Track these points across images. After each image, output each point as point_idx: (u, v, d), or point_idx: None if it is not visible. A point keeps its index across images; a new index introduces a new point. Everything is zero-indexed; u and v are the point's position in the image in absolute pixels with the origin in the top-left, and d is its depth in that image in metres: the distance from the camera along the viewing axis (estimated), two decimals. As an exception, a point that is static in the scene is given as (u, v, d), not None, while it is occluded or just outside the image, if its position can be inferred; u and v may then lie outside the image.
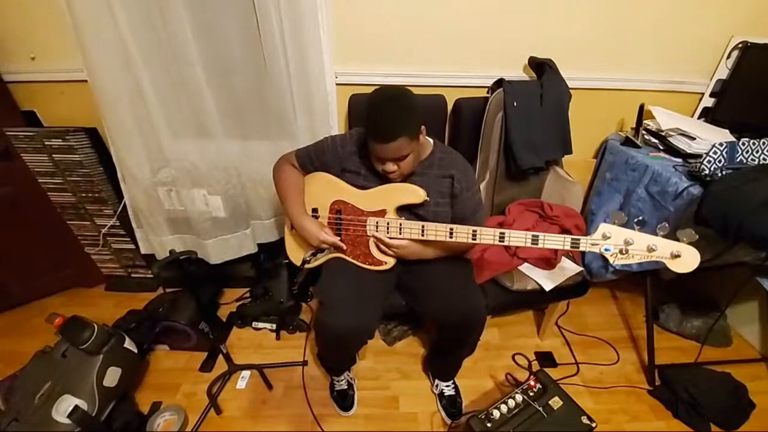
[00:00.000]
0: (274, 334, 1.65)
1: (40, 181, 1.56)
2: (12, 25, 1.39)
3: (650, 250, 0.87)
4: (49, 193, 1.60)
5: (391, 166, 1.01)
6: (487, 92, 1.45)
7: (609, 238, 0.90)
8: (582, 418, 1.07)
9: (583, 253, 1.54)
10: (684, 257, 0.86)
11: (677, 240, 0.86)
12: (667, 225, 0.86)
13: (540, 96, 1.39)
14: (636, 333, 1.68)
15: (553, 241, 0.95)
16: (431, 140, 1.15)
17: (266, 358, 1.53)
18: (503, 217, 1.51)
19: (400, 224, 1.07)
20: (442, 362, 1.39)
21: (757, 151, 1.22)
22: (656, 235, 0.88)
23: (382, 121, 0.94)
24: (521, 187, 1.56)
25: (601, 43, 1.46)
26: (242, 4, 1.27)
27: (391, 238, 1.09)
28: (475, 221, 1.11)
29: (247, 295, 1.84)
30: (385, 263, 1.13)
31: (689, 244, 0.85)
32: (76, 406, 1.09)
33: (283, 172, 1.20)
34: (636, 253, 0.89)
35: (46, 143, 1.48)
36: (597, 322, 1.74)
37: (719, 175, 1.18)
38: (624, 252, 0.89)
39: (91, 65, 1.27)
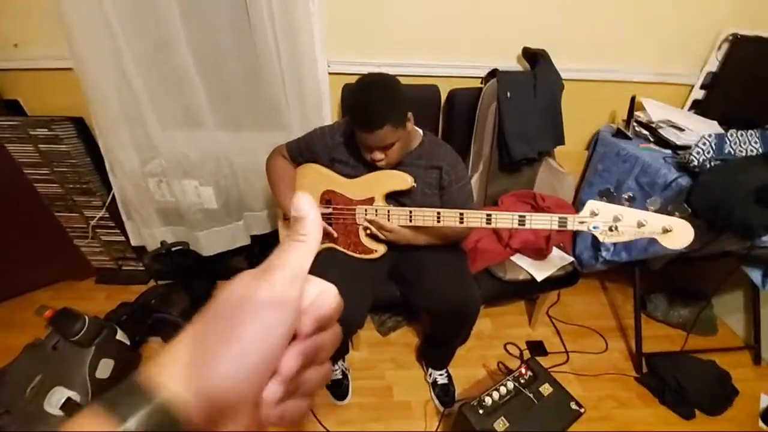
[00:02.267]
0: (268, 325, 1.65)
1: (26, 171, 1.53)
2: (-6, 12, 1.35)
3: (640, 225, 0.83)
4: (35, 185, 1.56)
5: (378, 155, 1.01)
6: (481, 82, 1.44)
7: (597, 214, 0.86)
8: (571, 403, 1.09)
9: (574, 243, 1.56)
10: (676, 231, 0.82)
11: (668, 214, 0.83)
12: (657, 200, 0.82)
13: (533, 86, 1.39)
14: (624, 322, 1.71)
15: (539, 221, 0.93)
16: (420, 131, 1.14)
17: (260, 349, 1.53)
18: (496, 208, 1.52)
19: (388, 211, 1.07)
20: (435, 352, 1.40)
21: (745, 143, 1.24)
22: (647, 210, 0.85)
23: (367, 110, 0.94)
24: (514, 178, 1.57)
25: (594, 34, 1.46)
26: (232, -8, 1.24)
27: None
28: None
29: (241, 287, 1.83)
30: (376, 251, 1.13)
31: (681, 218, 0.82)
32: (69, 398, 1.09)
33: (274, 164, 1.20)
34: (626, 230, 0.85)
35: (32, 133, 1.44)
36: (586, 312, 1.77)
37: (708, 166, 1.20)
38: (613, 229, 0.85)
39: (78, 55, 1.24)
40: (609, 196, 0.86)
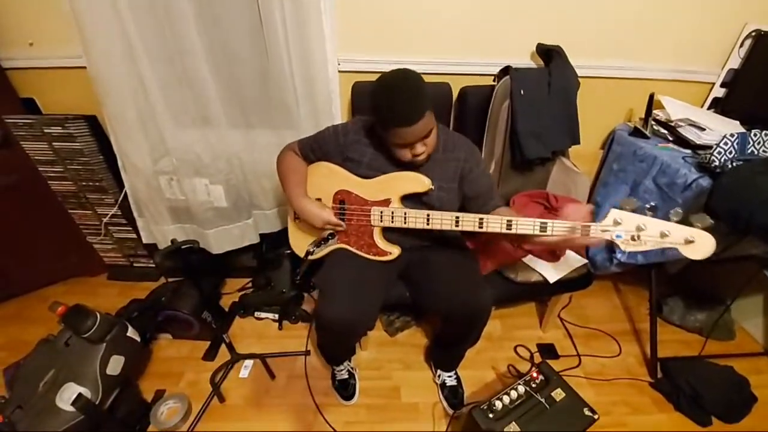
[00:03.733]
0: (277, 324, 1.65)
1: (40, 169, 1.55)
2: (9, 11, 1.36)
3: (663, 236, 0.83)
4: (49, 182, 1.59)
5: (419, 148, 0.97)
6: (494, 80, 1.42)
7: (620, 224, 0.86)
8: (584, 409, 1.07)
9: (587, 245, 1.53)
10: (698, 243, 0.82)
11: (690, 225, 0.82)
12: (680, 210, 0.82)
13: (548, 84, 1.36)
14: (638, 326, 1.68)
15: (562, 228, 0.91)
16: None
17: (268, 347, 1.54)
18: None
19: (405, 213, 1.05)
20: (444, 353, 1.39)
21: (769, 143, 1.19)
22: (669, 221, 0.84)
23: (403, 105, 0.90)
24: (526, 177, 1.54)
25: (611, 30, 1.42)
26: (243, -10, 1.24)
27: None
28: (494, 198, 1.09)
29: (249, 285, 1.84)
30: (390, 253, 1.12)
31: (703, 229, 0.81)
32: (80, 394, 1.10)
33: (285, 159, 1.19)
34: (648, 240, 0.84)
35: (46, 131, 1.46)
36: (599, 315, 1.73)
37: (729, 166, 1.16)
38: (636, 238, 0.85)
39: (91, 53, 1.25)
40: (631, 204, 0.85)
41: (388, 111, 0.93)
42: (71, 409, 1.08)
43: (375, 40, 1.41)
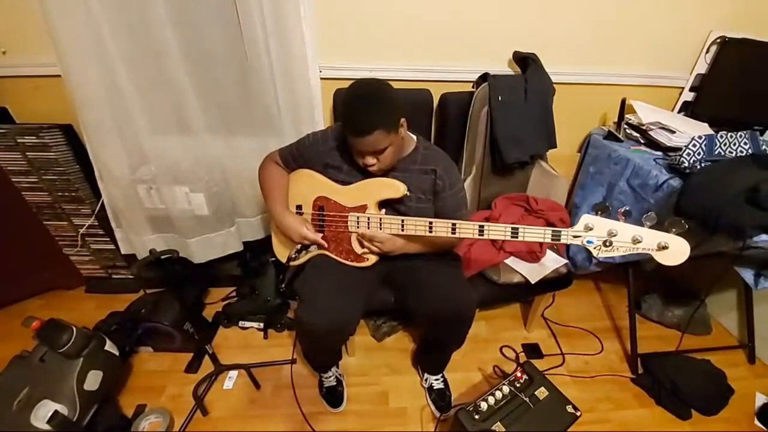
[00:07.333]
0: (262, 333, 1.63)
1: (13, 180, 1.50)
2: (-20, 18, 1.33)
3: (635, 241, 0.82)
4: (23, 193, 1.54)
5: (370, 160, 1.00)
6: (473, 86, 1.45)
7: (592, 229, 0.85)
8: (567, 407, 1.09)
9: (567, 245, 1.56)
10: (672, 249, 0.81)
11: (664, 230, 0.81)
12: (654, 215, 0.80)
13: (525, 90, 1.39)
14: (619, 323, 1.72)
15: (533, 234, 0.91)
16: (414, 136, 1.14)
17: (254, 357, 1.51)
18: (489, 212, 1.52)
19: (380, 219, 1.06)
20: (431, 357, 1.39)
21: (735, 144, 1.25)
22: (642, 226, 0.82)
23: (358, 115, 0.93)
24: (507, 181, 1.57)
25: (584, 37, 1.47)
26: (222, -4, 1.24)
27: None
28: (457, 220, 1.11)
29: (234, 294, 1.81)
30: (367, 260, 1.12)
31: (678, 234, 0.80)
32: (56, 412, 1.06)
33: (266, 171, 1.19)
34: (621, 245, 0.84)
35: (19, 141, 1.42)
36: (581, 313, 1.77)
37: (698, 167, 1.21)
38: (608, 244, 0.84)
39: (65, 60, 1.22)
40: (604, 210, 0.85)
41: (344, 117, 0.97)
42: (47, 427, 1.04)
43: (356, 47, 1.42)
